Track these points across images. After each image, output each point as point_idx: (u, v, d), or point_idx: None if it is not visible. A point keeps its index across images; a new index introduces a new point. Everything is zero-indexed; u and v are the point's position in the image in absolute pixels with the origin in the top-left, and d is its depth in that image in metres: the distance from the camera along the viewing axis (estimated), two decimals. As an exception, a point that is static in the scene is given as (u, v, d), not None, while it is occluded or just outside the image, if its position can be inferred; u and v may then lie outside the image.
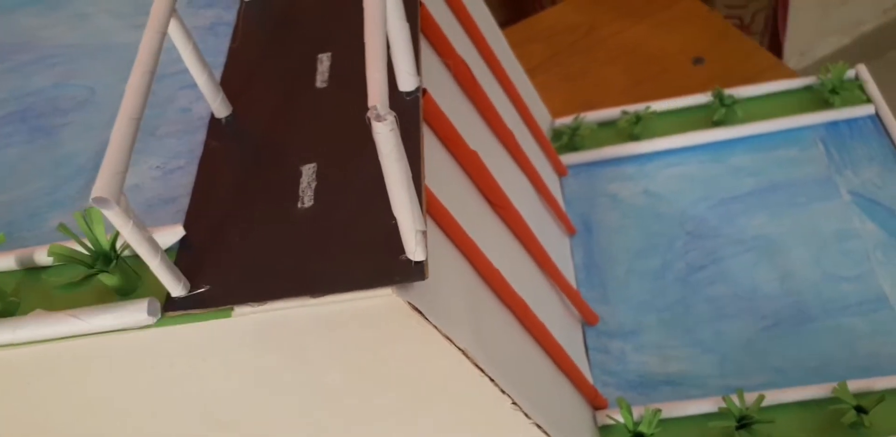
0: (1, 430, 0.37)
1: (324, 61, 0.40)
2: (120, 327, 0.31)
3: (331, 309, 0.31)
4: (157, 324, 0.31)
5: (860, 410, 0.49)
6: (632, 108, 0.71)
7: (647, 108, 0.70)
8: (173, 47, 0.36)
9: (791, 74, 0.88)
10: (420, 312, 0.31)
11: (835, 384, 0.51)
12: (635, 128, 0.69)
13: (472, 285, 0.39)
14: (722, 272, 0.60)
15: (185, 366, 0.34)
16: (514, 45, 0.68)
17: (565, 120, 0.73)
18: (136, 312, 0.31)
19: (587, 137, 0.71)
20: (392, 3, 0.33)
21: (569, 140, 0.71)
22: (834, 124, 0.67)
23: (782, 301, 0.58)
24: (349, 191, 0.34)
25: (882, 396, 0.49)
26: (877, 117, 0.67)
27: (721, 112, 0.68)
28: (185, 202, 0.36)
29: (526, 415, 0.38)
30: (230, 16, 0.45)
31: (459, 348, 0.33)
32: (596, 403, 0.53)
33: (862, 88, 0.68)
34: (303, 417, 0.38)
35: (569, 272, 0.61)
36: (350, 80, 0.39)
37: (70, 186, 0.39)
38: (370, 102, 0.27)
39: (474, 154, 0.43)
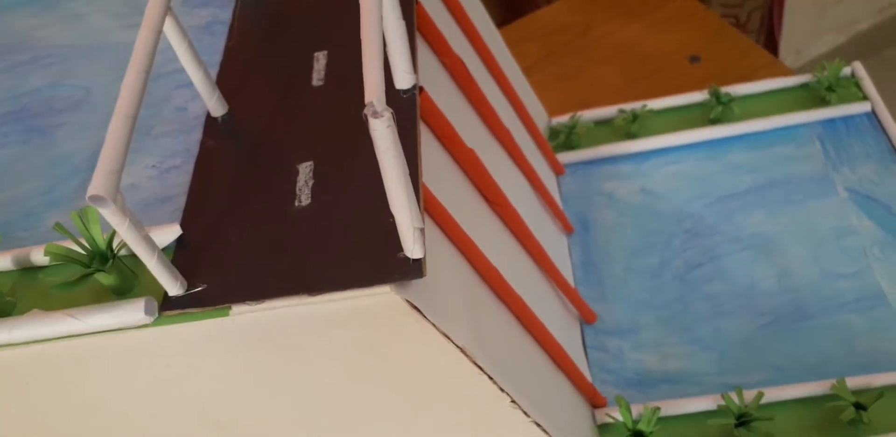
0: (-2, 431, 0.37)
1: (320, 60, 0.40)
2: (117, 327, 0.31)
3: (328, 308, 0.31)
4: (155, 323, 0.31)
5: (859, 406, 0.49)
6: (628, 106, 0.71)
7: (644, 106, 0.70)
8: (169, 46, 0.36)
9: (787, 72, 0.88)
10: (418, 310, 0.31)
11: (833, 381, 0.51)
12: (632, 126, 0.69)
13: (470, 283, 0.39)
14: (719, 270, 0.60)
15: (183, 365, 0.34)
16: (510, 44, 0.68)
17: (562, 118, 0.73)
18: (133, 311, 0.31)
19: (584, 136, 0.71)
20: (388, 2, 0.33)
21: (565, 139, 0.71)
22: (830, 122, 0.67)
23: (780, 299, 0.58)
24: (346, 189, 0.34)
25: (881, 392, 0.50)
26: (873, 114, 0.67)
27: (718, 110, 0.68)
28: (181, 201, 0.36)
29: (525, 413, 0.38)
30: (226, 14, 0.45)
31: (458, 346, 0.33)
32: (595, 401, 0.53)
33: (858, 86, 0.68)
34: (301, 416, 0.38)
35: (566, 271, 0.60)
36: (346, 78, 0.39)
37: (66, 186, 0.39)
38: (367, 99, 0.26)
39: (471, 152, 0.43)
